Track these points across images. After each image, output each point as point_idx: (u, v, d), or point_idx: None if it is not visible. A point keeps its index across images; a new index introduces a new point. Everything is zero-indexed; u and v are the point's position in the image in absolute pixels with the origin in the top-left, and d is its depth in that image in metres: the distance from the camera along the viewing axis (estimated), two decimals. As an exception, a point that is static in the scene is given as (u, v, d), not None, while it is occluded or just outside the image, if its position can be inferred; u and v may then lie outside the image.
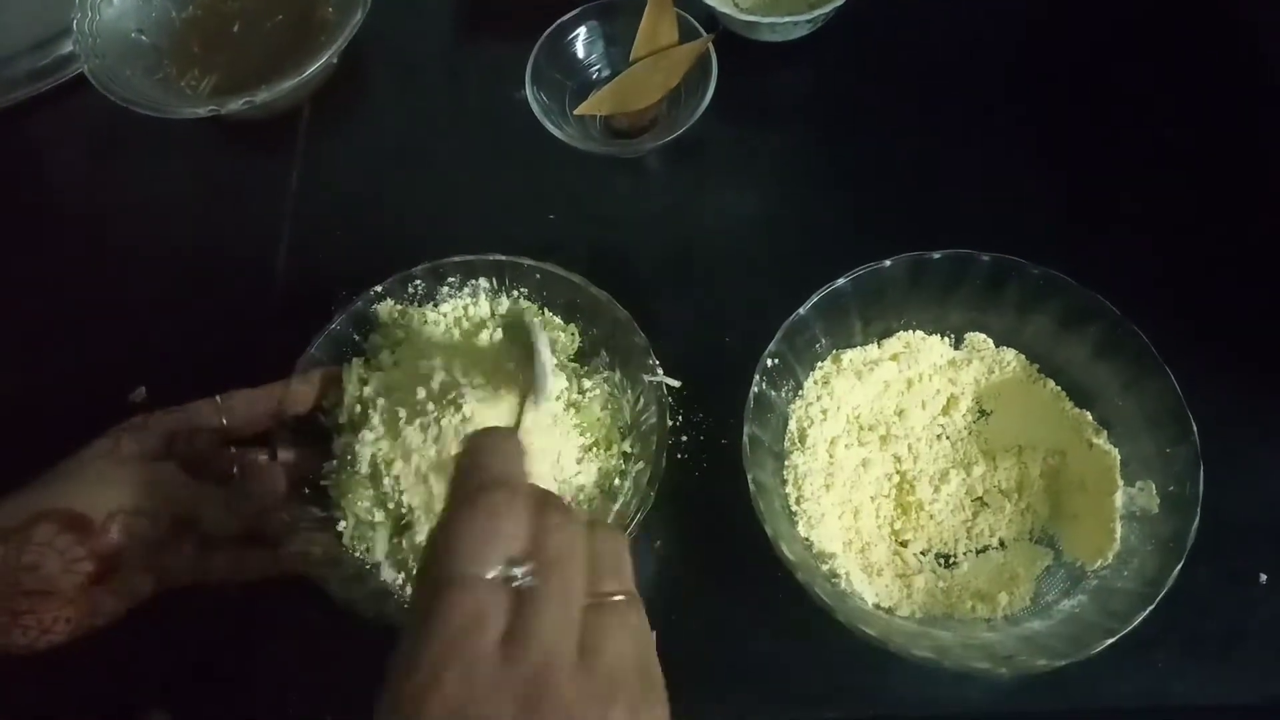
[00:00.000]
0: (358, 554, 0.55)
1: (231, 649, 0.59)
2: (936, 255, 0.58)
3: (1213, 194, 0.69)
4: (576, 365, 0.60)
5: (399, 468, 0.54)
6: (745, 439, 0.54)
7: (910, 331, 0.61)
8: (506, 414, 0.54)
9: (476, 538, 0.35)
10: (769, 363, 0.57)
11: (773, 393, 0.57)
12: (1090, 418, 0.58)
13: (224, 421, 0.56)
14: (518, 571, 0.34)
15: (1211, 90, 0.73)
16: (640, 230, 0.71)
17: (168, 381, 0.66)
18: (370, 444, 0.55)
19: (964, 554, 0.58)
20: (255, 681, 0.58)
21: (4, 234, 0.75)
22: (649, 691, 0.35)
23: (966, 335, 0.61)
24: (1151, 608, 0.49)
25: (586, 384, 0.59)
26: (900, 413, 0.61)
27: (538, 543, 0.35)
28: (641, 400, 0.58)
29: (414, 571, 0.55)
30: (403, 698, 0.31)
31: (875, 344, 0.61)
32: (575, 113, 0.70)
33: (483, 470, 0.38)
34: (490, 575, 0.34)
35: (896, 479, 0.59)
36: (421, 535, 0.54)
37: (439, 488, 0.54)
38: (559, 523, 0.36)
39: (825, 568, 0.55)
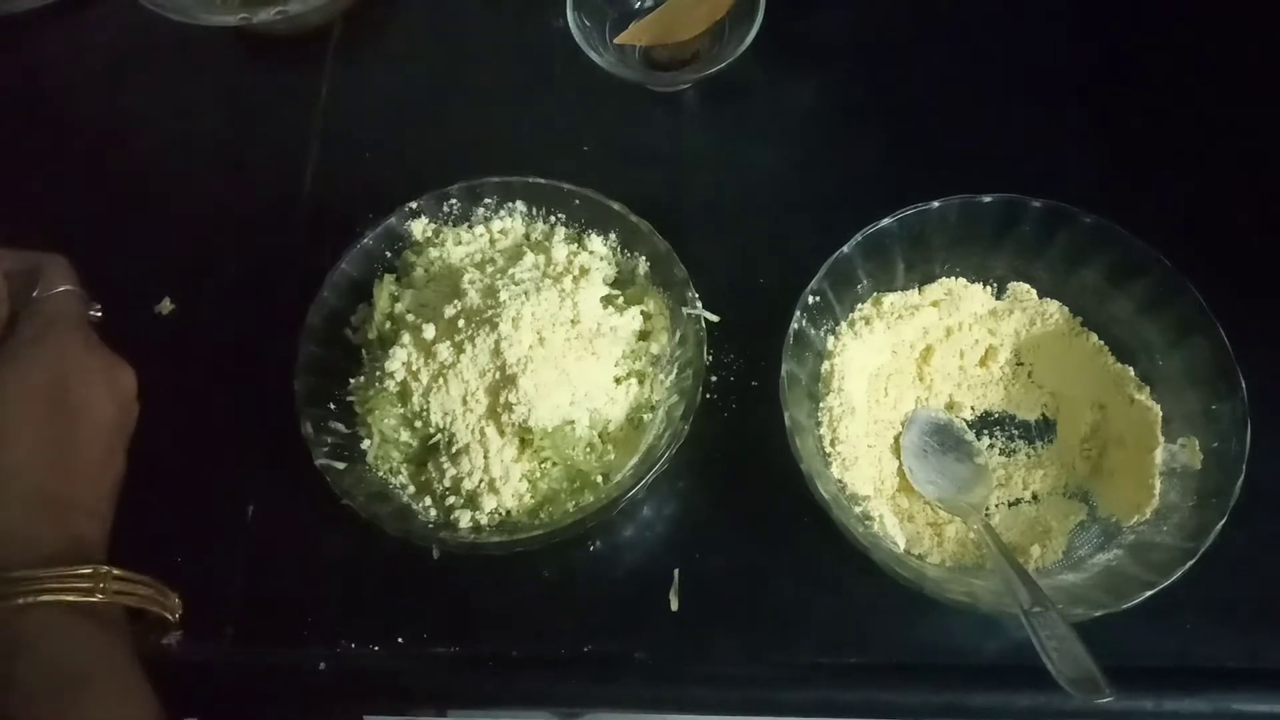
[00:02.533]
0: (380, 473, 0.54)
1: (244, 568, 0.58)
2: (987, 199, 0.56)
3: (1270, 151, 0.67)
4: (616, 293, 0.59)
5: (429, 386, 0.53)
6: (784, 375, 0.53)
7: (953, 278, 0.60)
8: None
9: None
10: (810, 299, 0.55)
11: (812, 331, 0.56)
12: (1132, 373, 0.57)
13: None
14: None
15: (1270, 40, 0.71)
16: (676, 166, 0.69)
17: (192, 293, 0.66)
18: (400, 361, 0.53)
19: (995, 506, 0.57)
20: (268, 600, 0.57)
21: (27, 147, 0.73)
22: None
23: (1010, 285, 0.60)
24: (1193, 562, 0.48)
25: (621, 315, 0.58)
26: (937, 361, 0.60)
27: None
28: (679, 333, 0.57)
29: (439, 493, 0.54)
30: None
31: (916, 289, 0.60)
32: (616, 41, 0.68)
33: None
34: None
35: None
36: (448, 456, 0.53)
37: (469, 407, 0.53)
38: None
39: (858, 510, 0.54)
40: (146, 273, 0.67)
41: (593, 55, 0.66)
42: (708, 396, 0.60)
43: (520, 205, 0.60)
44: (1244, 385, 0.52)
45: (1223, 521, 0.49)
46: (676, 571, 0.57)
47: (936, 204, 0.57)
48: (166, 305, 0.65)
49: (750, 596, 0.57)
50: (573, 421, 0.54)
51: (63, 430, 0.45)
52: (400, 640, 0.56)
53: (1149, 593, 0.48)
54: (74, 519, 0.45)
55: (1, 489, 0.44)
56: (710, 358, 0.61)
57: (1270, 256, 0.63)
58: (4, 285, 0.49)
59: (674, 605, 0.56)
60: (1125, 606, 0.48)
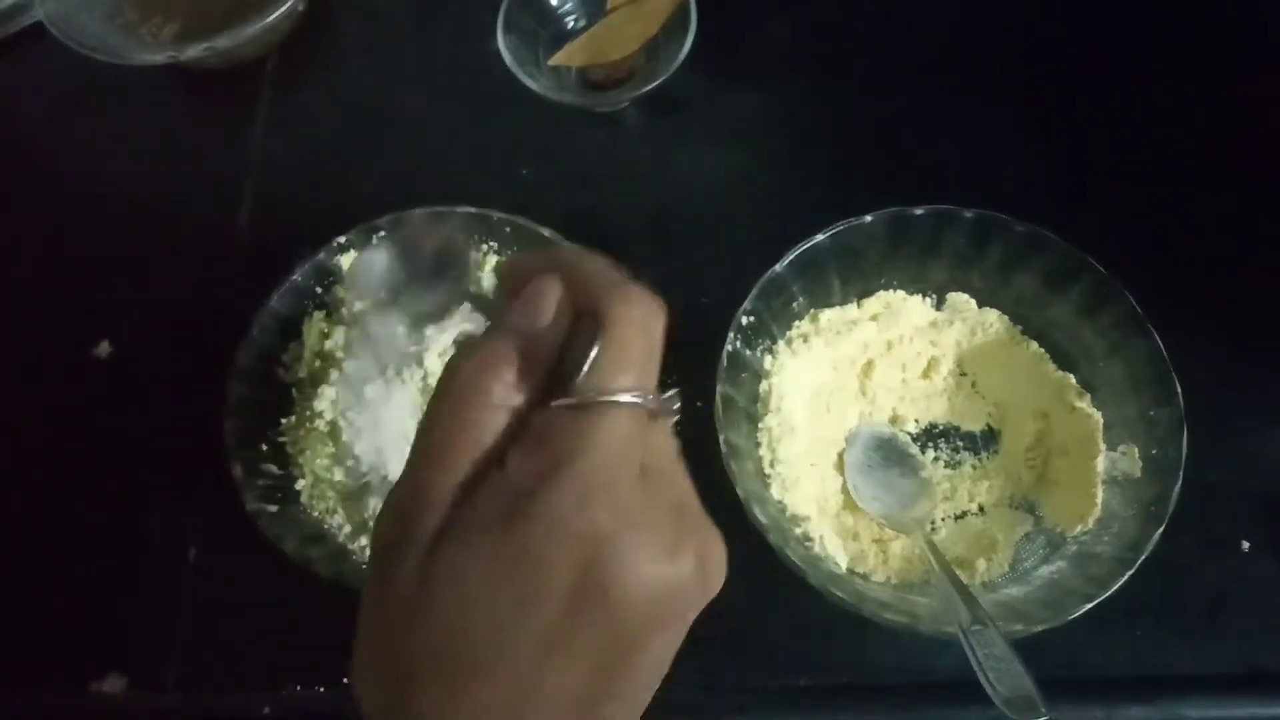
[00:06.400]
0: (316, 514, 0.54)
1: (187, 612, 0.57)
2: (918, 211, 0.56)
3: (1200, 155, 0.67)
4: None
5: (359, 424, 0.52)
6: (718, 399, 0.53)
7: (891, 291, 0.60)
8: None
9: (639, 358, 0.28)
10: (744, 321, 0.55)
11: (747, 352, 0.56)
12: (1073, 381, 0.57)
13: None
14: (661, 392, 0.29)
15: (1200, 48, 0.71)
16: (615, 185, 0.69)
17: (130, 335, 0.65)
18: (329, 400, 0.53)
19: (942, 519, 0.57)
20: (212, 645, 0.57)
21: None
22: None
23: (948, 295, 0.60)
24: (1131, 573, 0.48)
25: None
26: (879, 375, 0.59)
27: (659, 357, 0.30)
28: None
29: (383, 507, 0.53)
30: (545, 516, 0.26)
31: (855, 304, 0.59)
32: (550, 63, 0.68)
33: (604, 272, 0.30)
34: (647, 401, 0.28)
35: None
36: (380, 495, 0.52)
37: (399, 446, 0.52)
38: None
39: (799, 531, 0.53)
40: (84, 315, 0.66)
41: (526, 80, 0.65)
42: (652, 419, 0.60)
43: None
44: (1180, 391, 0.51)
45: (1160, 530, 0.49)
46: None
47: (869, 218, 0.56)
48: (104, 348, 0.65)
49: (700, 621, 0.55)
50: (506, 454, 0.53)
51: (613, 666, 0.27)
52: (346, 681, 0.55)
53: (1088, 606, 0.47)
54: None
55: None
56: (653, 379, 0.60)
57: (1207, 262, 0.63)
58: (550, 334, 0.29)
59: (621, 633, 0.55)
60: (1066, 620, 0.47)
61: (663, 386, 0.30)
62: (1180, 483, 0.50)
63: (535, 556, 0.26)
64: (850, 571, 0.54)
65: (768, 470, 0.55)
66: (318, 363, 0.56)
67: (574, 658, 0.26)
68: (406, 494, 0.28)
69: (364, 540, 0.53)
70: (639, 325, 0.29)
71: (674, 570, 0.27)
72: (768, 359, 0.57)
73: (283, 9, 0.67)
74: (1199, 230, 0.64)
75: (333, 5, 0.76)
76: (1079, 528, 0.53)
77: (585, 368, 0.28)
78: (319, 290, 0.59)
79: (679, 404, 0.30)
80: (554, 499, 0.26)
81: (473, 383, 0.28)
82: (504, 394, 0.28)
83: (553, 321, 0.29)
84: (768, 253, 0.57)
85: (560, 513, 0.26)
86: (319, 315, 0.58)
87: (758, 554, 0.54)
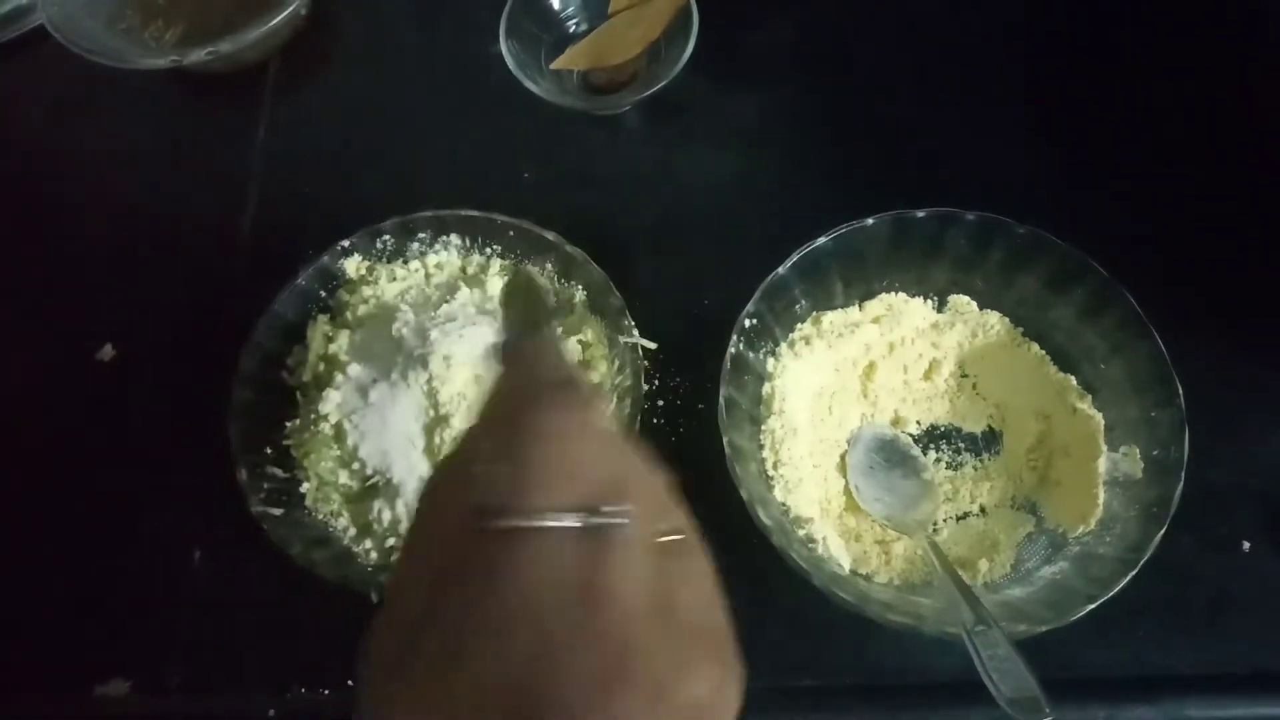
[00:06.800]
0: (320, 516, 0.54)
1: (191, 615, 0.57)
2: (920, 214, 0.56)
3: (1202, 157, 0.67)
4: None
5: (364, 427, 0.52)
6: (722, 401, 0.53)
7: (892, 293, 0.60)
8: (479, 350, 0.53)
9: (555, 474, 0.26)
10: (747, 323, 0.55)
11: (751, 354, 0.56)
12: (1074, 382, 0.57)
13: None
14: (603, 509, 0.26)
15: (1201, 48, 0.71)
16: (618, 189, 0.69)
17: (133, 338, 0.65)
18: (334, 403, 0.53)
19: (944, 520, 0.57)
20: (215, 648, 0.57)
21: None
22: (727, 648, 0.28)
23: (950, 297, 0.60)
24: (1134, 574, 0.48)
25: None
26: (881, 377, 0.59)
27: (614, 472, 0.28)
28: (617, 362, 0.56)
29: (379, 535, 0.53)
30: (457, 656, 0.24)
31: (856, 306, 0.60)
32: (552, 67, 0.68)
33: (544, 376, 0.29)
34: (569, 521, 0.26)
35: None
36: (385, 498, 0.53)
37: (404, 448, 0.52)
38: (627, 449, 0.28)
39: (802, 533, 0.53)
40: (87, 318, 0.66)
41: (528, 83, 0.65)
42: (655, 421, 0.60)
43: (455, 239, 0.60)
44: (1181, 392, 0.52)
45: (1162, 532, 0.49)
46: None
47: (871, 220, 0.56)
48: (108, 351, 0.65)
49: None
50: (511, 457, 0.53)
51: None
52: (351, 684, 0.55)
53: (1090, 606, 0.47)
54: None
55: None
56: (656, 382, 0.60)
57: (1207, 263, 0.63)
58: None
59: (624, 635, 0.55)
60: (1068, 621, 0.48)
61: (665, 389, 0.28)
62: (1182, 483, 0.50)
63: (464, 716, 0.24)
64: (853, 573, 0.54)
65: (771, 472, 0.55)
66: (322, 366, 0.56)
67: None
68: (383, 614, 0.27)
69: (369, 543, 0.53)
70: (553, 437, 0.27)
71: (608, 714, 0.24)
72: (770, 361, 0.57)
73: (285, 13, 0.67)
74: (1200, 231, 0.64)
75: (335, 8, 0.77)
76: (1081, 528, 0.53)
77: (499, 490, 0.26)
78: (323, 293, 0.59)
79: (626, 518, 0.27)
80: (472, 651, 0.24)
81: (421, 510, 0.29)
82: (443, 521, 0.27)
83: (486, 434, 0.28)
84: (770, 255, 0.57)
85: (479, 667, 0.24)
86: (323, 318, 0.58)
87: (760, 555, 0.55)
